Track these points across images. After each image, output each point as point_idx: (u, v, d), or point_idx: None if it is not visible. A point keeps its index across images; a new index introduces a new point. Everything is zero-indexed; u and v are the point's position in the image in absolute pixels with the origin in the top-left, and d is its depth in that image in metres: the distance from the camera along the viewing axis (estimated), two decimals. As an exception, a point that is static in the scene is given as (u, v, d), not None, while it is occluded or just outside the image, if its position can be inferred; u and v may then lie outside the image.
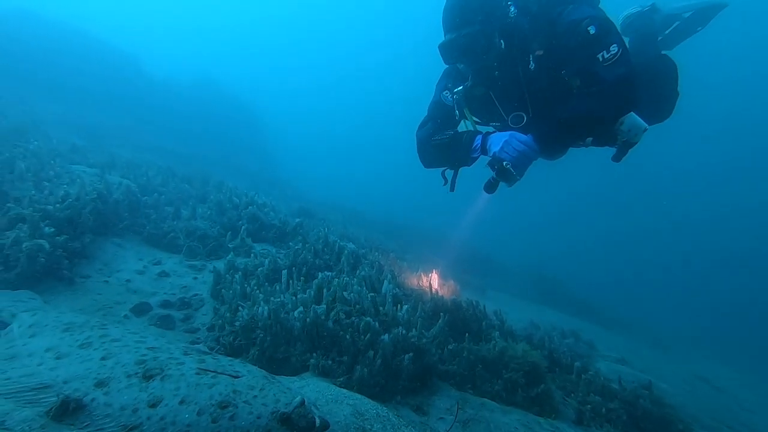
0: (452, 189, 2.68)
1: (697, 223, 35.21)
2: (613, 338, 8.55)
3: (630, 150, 2.40)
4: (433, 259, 8.04)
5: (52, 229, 2.99)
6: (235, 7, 60.87)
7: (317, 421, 1.85)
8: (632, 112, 2.25)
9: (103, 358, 1.93)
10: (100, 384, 1.77)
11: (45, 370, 1.79)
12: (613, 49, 2.13)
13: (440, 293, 4.01)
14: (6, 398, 1.56)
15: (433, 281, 4.62)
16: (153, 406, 1.72)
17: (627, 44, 2.87)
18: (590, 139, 2.42)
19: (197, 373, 1.94)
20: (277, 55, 64.04)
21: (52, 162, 4.38)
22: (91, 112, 11.71)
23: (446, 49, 2.35)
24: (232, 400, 1.82)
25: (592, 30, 2.14)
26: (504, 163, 2.16)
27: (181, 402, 1.76)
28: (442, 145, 2.55)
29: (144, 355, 2.01)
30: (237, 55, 56.78)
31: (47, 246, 2.75)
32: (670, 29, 3.36)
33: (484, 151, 2.37)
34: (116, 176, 5.27)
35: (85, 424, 1.61)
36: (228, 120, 18.30)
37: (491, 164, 2.26)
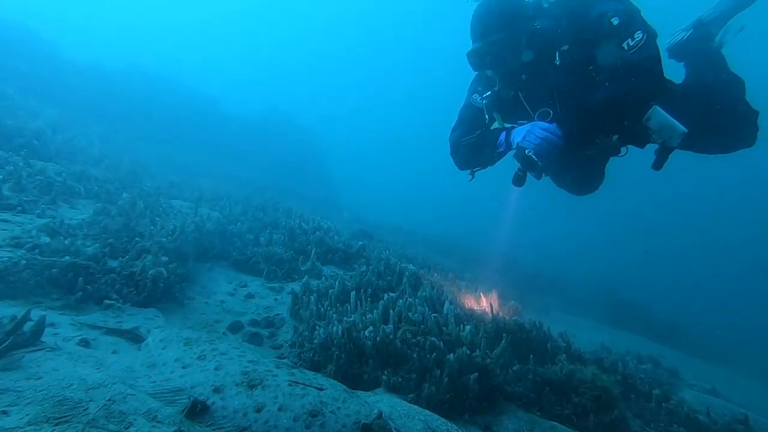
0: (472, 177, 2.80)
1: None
2: (702, 366, 7.65)
3: (669, 155, 2.31)
4: (492, 278, 7.95)
5: (166, 258, 3.62)
6: (292, 35, 65.94)
7: (394, 432, 2.05)
8: (660, 109, 2.19)
9: (216, 369, 2.33)
10: (216, 390, 2.15)
11: (176, 377, 2.23)
12: (638, 35, 2.14)
13: (501, 314, 4.05)
14: (154, 398, 1.99)
15: (493, 301, 4.66)
16: (258, 411, 2.05)
17: (686, 68, 2.80)
18: (616, 136, 2.36)
19: (290, 384, 2.26)
20: (331, 77, 67.96)
21: (160, 199, 5.23)
22: (180, 150, 13.52)
23: (474, 57, 2.47)
24: (321, 410, 2.10)
25: (615, 21, 2.19)
26: (527, 151, 2.19)
27: (280, 409, 2.07)
28: (471, 145, 2.65)
29: (246, 367, 2.38)
30: (294, 81, 61.46)
31: (165, 273, 3.35)
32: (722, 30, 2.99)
33: (508, 145, 2.42)
34: (206, 208, 6.09)
35: (209, 423, 1.98)
36: (291, 148, 19.87)
37: (516, 155, 2.30)
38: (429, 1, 54.55)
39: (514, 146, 2.35)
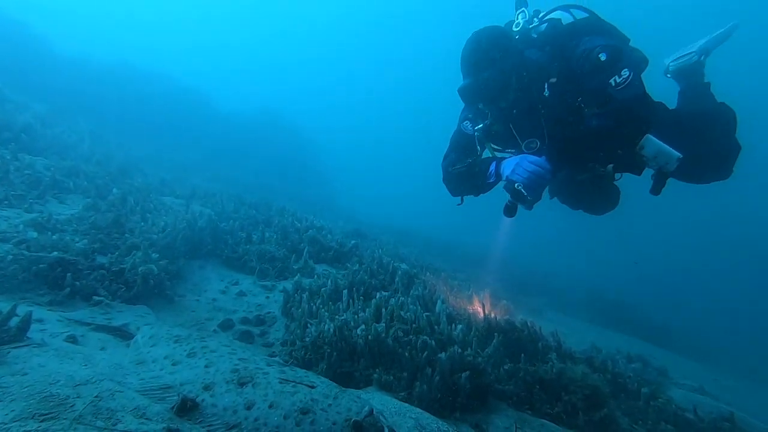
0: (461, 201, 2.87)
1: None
2: (690, 365, 7.78)
3: (666, 181, 2.35)
4: (486, 278, 7.99)
5: (157, 255, 3.58)
6: (278, 29, 65.39)
7: (385, 429, 2.06)
8: (653, 138, 2.23)
9: (206, 366, 2.31)
10: (206, 387, 2.13)
11: (166, 374, 2.20)
12: (625, 73, 2.18)
13: (493, 313, 4.07)
14: (142, 395, 1.97)
15: (485, 301, 4.69)
16: (248, 408, 2.04)
17: (683, 91, 2.85)
18: (611, 165, 2.41)
19: (280, 382, 2.24)
20: (323, 73, 67.68)
21: (151, 196, 5.17)
22: (171, 148, 13.39)
23: (465, 93, 2.50)
24: (311, 407, 2.09)
25: (603, 57, 2.22)
26: (516, 185, 2.23)
27: (270, 406, 2.06)
28: (462, 174, 2.68)
29: (236, 364, 2.36)
30: (285, 78, 61.15)
31: (155, 270, 3.31)
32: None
33: (498, 176, 2.46)
34: (197, 205, 6.03)
35: (199, 420, 1.96)
36: (286, 147, 19.72)
37: (506, 187, 2.34)
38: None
39: (504, 178, 2.39)
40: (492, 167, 2.51)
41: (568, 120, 2.42)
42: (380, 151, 57.07)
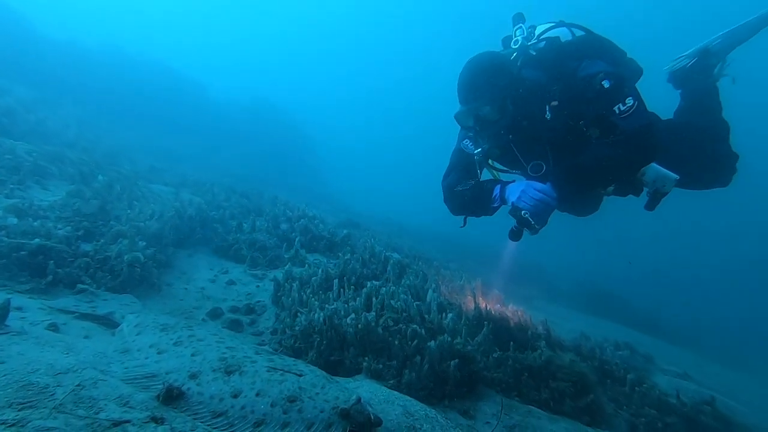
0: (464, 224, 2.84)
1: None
2: (677, 352, 7.95)
3: (662, 199, 2.40)
4: (477, 268, 8.03)
5: (144, 243, 3.52)
6: (277, 23, 64.41)
7: (372, 417, 2.06)
8: (654, 164, 2.27)
9: (192, 355, 2.29)
10: (192, 376, 2.11)
11: (151, 362, 2.18)
12: (629, 101, 2.18)
13: (484, 302, 4.09)
14: (126, 383, 1.94)
15: (476, 290, 4.70)
16: (235, 396, 2.02)
17: (682, 99, 2.83)
18: (611, 188, 2.45)
19: (268, 371, 2.23)
20: (320, 68, 66.91)
21: (138, 183, 5.07)
22: (163, 137, 13.13)
23: (463, 119, 2.49)
24: (299, 396, 2.08)
25: (606, 84, 2.20)
26: (522, 212, 2.22)
27: (257, 394, 2.05)
28: (464, 196, 2.64)
29: (224, 353, 2.34)
30: (282, 72, 60.32)
31: (142, 258, 3.26)
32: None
33: (503, 200, 2.44)
34: (187, 194, 5.94)
35: (184, 408, 1.94)
36: (281, 139, 19.41)
37: (512, 213, 2.34)
38: (423, -3, 54.02)
39: (509, 203, 2.38)
40: (496, 191, 2.48)
41: (572, 143, 2.41)
42: (378, 150, 56.74)
